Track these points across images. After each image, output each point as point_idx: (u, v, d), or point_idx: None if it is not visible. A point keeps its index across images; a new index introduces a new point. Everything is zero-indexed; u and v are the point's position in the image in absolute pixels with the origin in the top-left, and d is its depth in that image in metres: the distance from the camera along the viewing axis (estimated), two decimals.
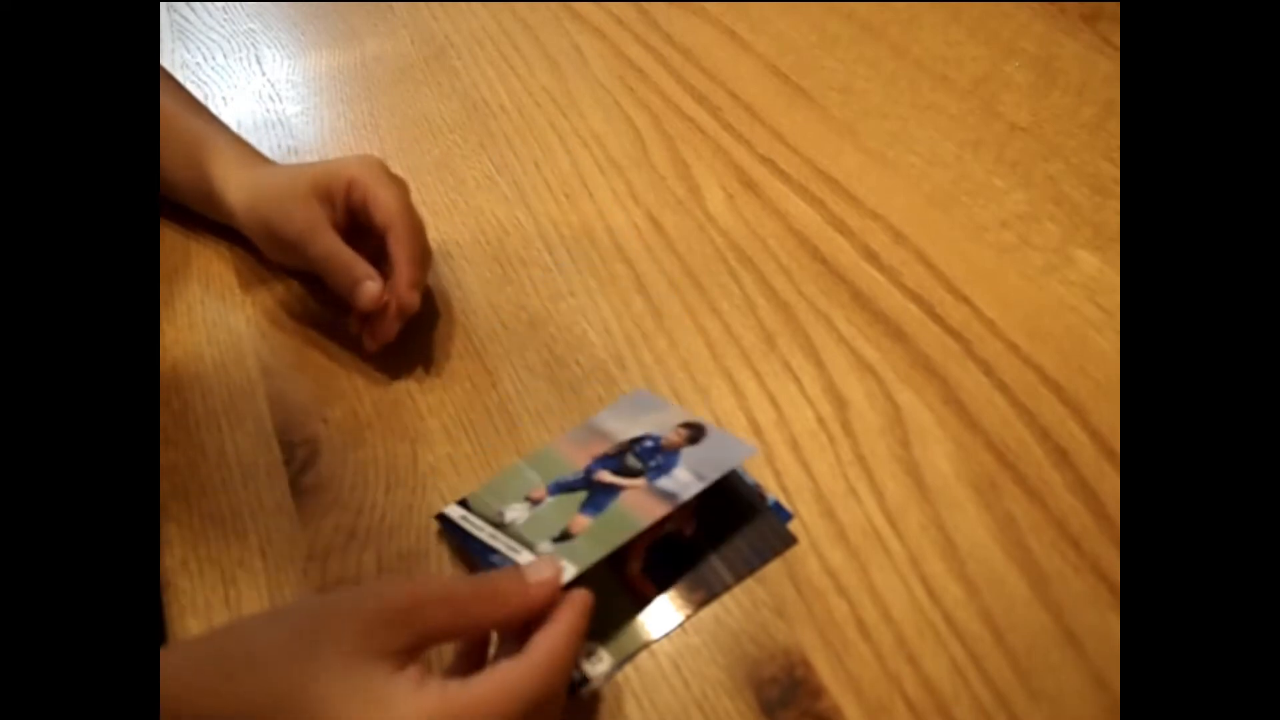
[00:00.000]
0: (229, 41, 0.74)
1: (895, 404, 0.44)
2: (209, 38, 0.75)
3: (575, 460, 0.41)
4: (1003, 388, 0.44)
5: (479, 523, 0.39)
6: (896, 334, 0.47)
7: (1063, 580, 0.37)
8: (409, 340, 0.48)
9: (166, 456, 0.45)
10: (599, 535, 0.37)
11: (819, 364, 0.46)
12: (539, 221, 0.55)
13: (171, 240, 0.56)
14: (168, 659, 0.28)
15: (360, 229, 0.47)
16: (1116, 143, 0.55)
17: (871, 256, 0.51)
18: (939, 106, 0.60)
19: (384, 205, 0.46)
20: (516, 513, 0.39)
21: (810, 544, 0.40)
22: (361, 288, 0.44)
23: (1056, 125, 0.57)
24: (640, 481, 0.39)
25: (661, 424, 0.42)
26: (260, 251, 0.51)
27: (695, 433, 0.41)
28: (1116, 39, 0.63)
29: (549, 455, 0.42)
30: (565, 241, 0.54)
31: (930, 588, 0.38)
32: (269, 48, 0.73)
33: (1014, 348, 0.46)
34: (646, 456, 0.40)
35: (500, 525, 0.39)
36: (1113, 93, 0.59)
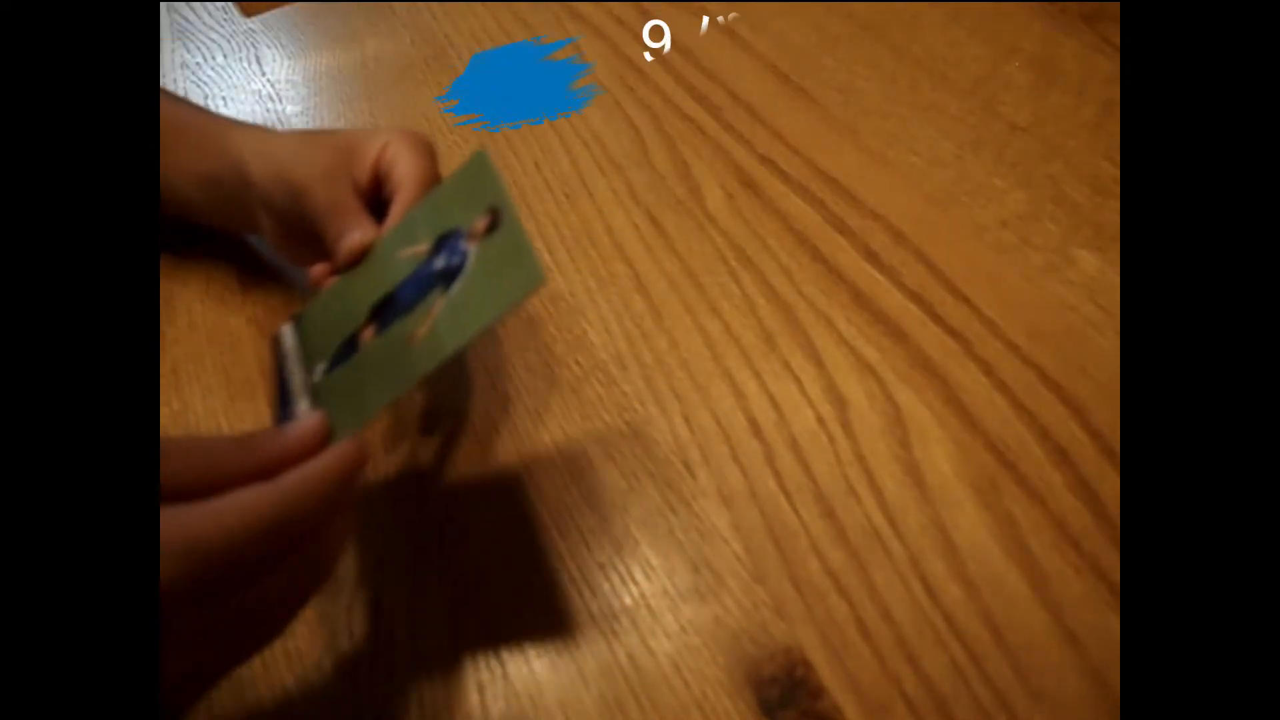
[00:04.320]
0: (229, 42, 0.74)
1: (895, 404, 0.44)
2: (209, 38, 0.75)
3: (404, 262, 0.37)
4: (1003, 388, 0.44)
5: (297, 358, 0.38)
6: (897, 334, 0.47)
7: (1063, 580, 0.37)
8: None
9: None
10: (382, 376, 0.34)
11: (819, 364, 0.46)
12: (539, 221, 0.55)
13: (172, 240, 0.56)
14: None
15: (382, 200, 0.43)
16: (1117, 143, 0.55)
17: (871, 256, 0.51)
18: (939, 106, 0.60)
19: (407, 167, 0.42)
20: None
21: (810, 544, 0.40)
22: (348, 236, 0.40)
23: (1057, 125, 0.57)
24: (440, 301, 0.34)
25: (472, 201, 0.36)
26: (259, 249, 0.50)
27: (495, 221, 0.35)
28: (1117, 39, 0.63)
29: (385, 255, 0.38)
30: (565, 241, 0.54)
31: (930, 588, 0.38)
32: (269, 48, 0.73)
33: (1014, 347, 0.46)
34: (450, 254, 0.35)
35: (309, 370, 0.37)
36: (1113, 93, 0.59)
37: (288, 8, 0.77)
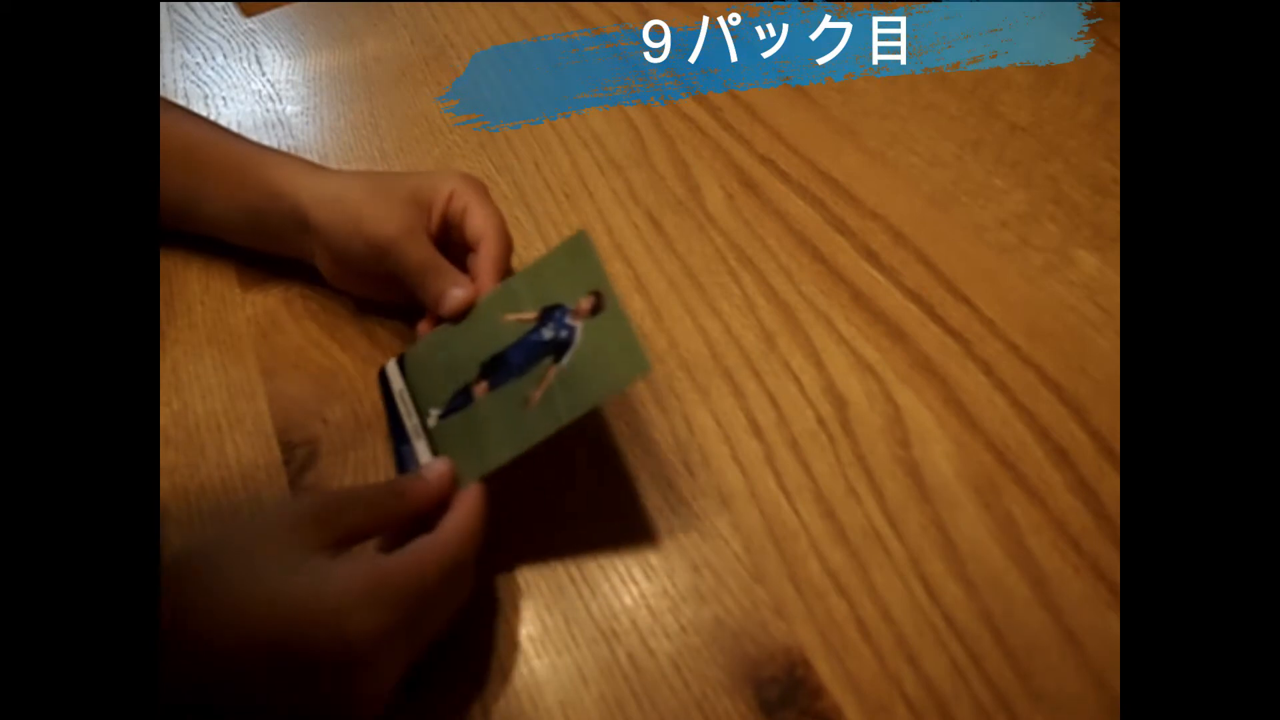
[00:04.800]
0: (229, 42, 0.74)
1: (895, 404, 0.44)
2: (209, 38, 0.75)
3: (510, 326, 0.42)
4: (1003, 388, 0.44)
5: (406, 398, 0.43)
6: (896, 334, 0.47)
7: (1062, 580, 0.37)
8: (407, 341, 0.48)
9: (166, 456, 0.45)
10: (502, 431, 0.39)
11: (819, 364, 0.46)
12: (539, 221, 0.55)
13: (172, 240, 0.56)
14: None
15: (447, 244, 0.45)
16: (1117, 143, 0.55)
17: (871, 256, 0.51)
18: (939, 106, 0.60)
19: (484, 216, 0.44)
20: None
21: (810, 544, 0.40)
22: (450, 293, 0.43)
23: (1057, 125, 0.57)
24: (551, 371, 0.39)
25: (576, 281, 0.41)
26: (319, 271, 0.49)
27: (599, 304, 0.40)
28: (1117, 39, 0.63)
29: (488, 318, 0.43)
30: None
31: (930, 588, 0.38)
32: (269, 48, 0.73)
33: (1014, 348, 0.46)
34: (558, 327, 0.40)
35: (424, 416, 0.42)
36: (1113, 93, 0.59)
37: (288, 7, 0.77)
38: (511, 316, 0.42)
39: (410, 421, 0.42)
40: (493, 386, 0.40)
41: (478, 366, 0.41)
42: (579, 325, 0.39)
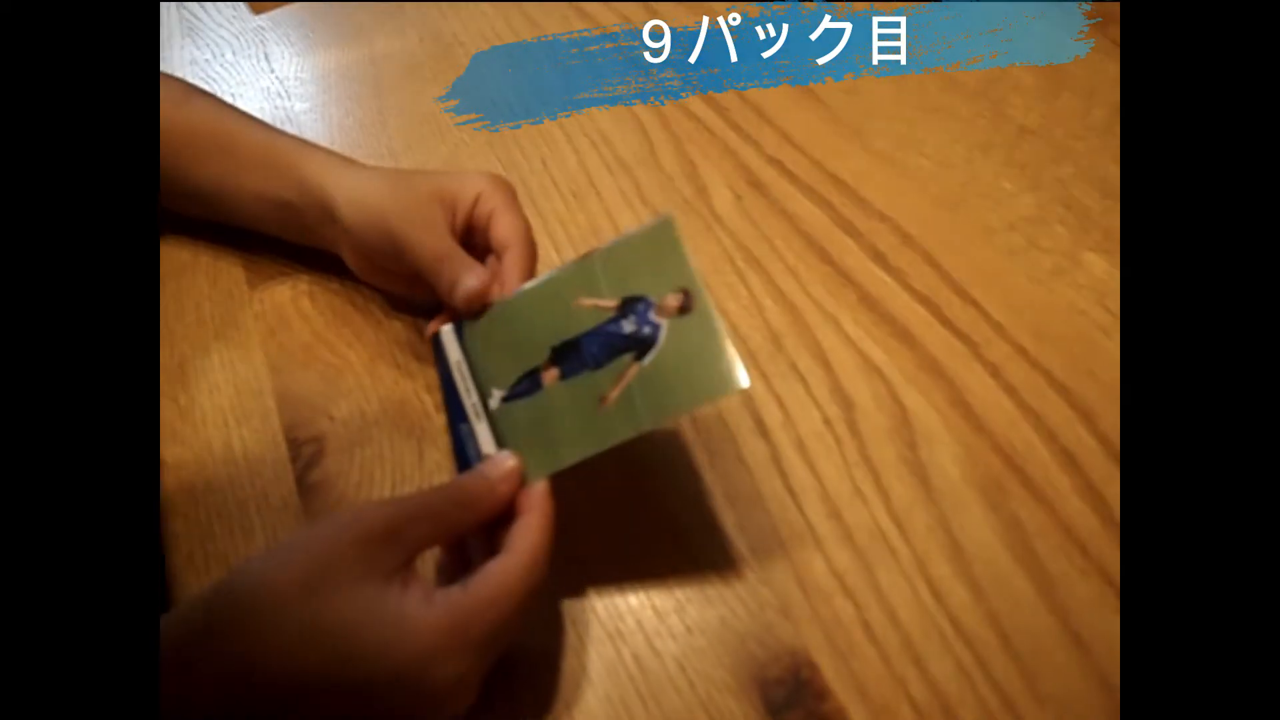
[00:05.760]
0: (238, 39, 0.74)
1: (902, 406, 0.44)
2: (218, 35, 0.75)
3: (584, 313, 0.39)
4: (1010, 390, 0.44)
5: (465, 371, 0.41)
6: (904, 336, 0.47)
7: (1069, 583, 0.37)
8: (416, 339, 0.48)
9: (173, 453, 0.45)
10: (574, 428, 0.37)
11: (826, 365, 0.46)
12: (546, 220, 0.55)
13: (179, 237, 0.56)
14: (168, 630, 0.29)
15: (470, 247, 0.44)
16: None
17: (879, 258, 0.51)
18: (947, 108, 0.60)
19: (511, 222, 0.43)
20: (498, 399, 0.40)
21: (816, 545, 0.39)
22: (464, 281, 0.41)
23: (1065, 128, 0.57)
24: (633, 368, 0.37)
25: (661, 275, 0.37)
26: (346, 263, 0.49)
27: (687, 303, 0.37)
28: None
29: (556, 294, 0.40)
30: (572, 240, 0.54)
31: (936, 590, 0.38)
32: (278, 45, 0.73)
33: (1022, 350, 0.46)
34: (640, 322, 0.37)
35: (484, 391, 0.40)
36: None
37: (297, 5, 0.77)
38: (587, 301, 0.39)
39: (470, 399, 0.40)
40: (564, 375, 0.38)
41: (548, 350, 0.39)
42: (664, 324, 0.36)
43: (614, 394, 0.36)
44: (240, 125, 0.51)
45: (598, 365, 0.37)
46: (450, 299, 0.42)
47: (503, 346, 0.41)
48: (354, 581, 0.30)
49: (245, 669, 0.29)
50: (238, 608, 0.30)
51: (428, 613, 0.31)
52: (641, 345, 0.36)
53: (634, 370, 0.36)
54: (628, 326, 0.37)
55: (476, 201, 0.44)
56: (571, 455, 0.36)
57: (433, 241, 0.42)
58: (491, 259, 0.44)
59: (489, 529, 0.35)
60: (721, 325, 0.35)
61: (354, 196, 0.45)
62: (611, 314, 0.38)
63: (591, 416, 0.36)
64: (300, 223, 0.49)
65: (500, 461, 0.36)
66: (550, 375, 0.38)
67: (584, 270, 0.39)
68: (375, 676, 0.30)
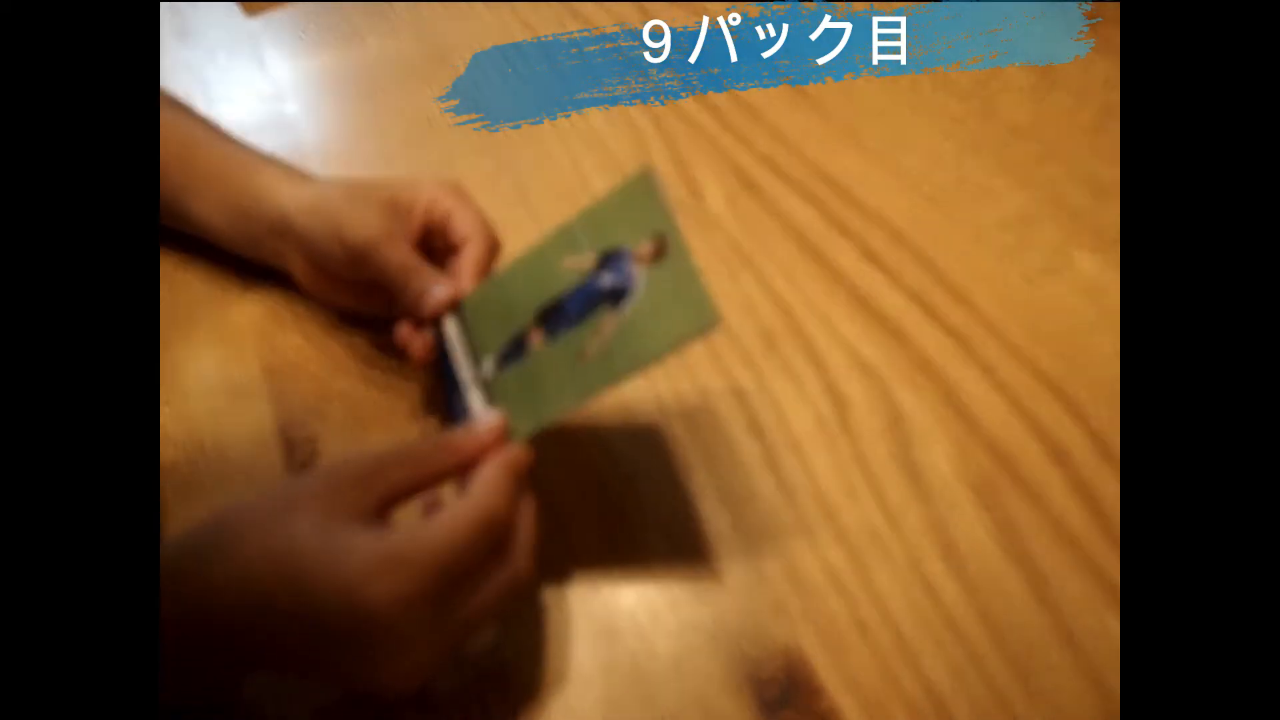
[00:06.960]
0: (231, 41, 0.74)
1: (895, 405, 0.44)
2: (211, 38, 0.75)
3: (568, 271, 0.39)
4: (1002, 389, 0.44)
5: (462, 342, 0.41)
6: (897, 335, 0.47)
7: (1061, 581, 0.38)
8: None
9: (168, 454, 0.45)
10: (556, 385, 0.37)
11: (819, 364, 0.46)
12: (541, 221, 0.55)
13: (173, 238, 0.56)
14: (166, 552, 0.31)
15: (429, 252, 0.45)
16: (1116, 145, 0.55)
17: (872, 257, 0.51)
18: (939, 108, 0.60)
19: (466, 217, 0.44)
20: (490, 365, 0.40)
21: (810, 544, 0.40)
22: (431, 292, 0.42)
23: (1056, 127, 0.57)
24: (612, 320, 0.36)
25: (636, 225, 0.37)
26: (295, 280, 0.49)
27: (661, 247, 0.35)
28: (1116, 40, 0.63)
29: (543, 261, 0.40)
30: None
31: (930, 588, 0.38)
32: (271, 48, 0.73)
33: (1014, 349, 0.46)
34: (617, 274, 0.37)
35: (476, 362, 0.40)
36: (1112, 95, 0.59)
37: (290, 7, 0.77)
38: (570, 262, 0.38)
39: (464, 369, 0.40)
40: (549, 335, 0.38)
41: (533, 313, 0.39)
42: (640, 272, 0.35)
43: (593, 348, 0.36)
44: (201, 134, 0.51)
45: (578, 322, 0.37)
46: (417, 309, 0.43)
47: (495, 317, 0.41)
48: (316, 514, 0.32)
49: (205, 594, 0.30)
50: (206, 536, 0.32)
51: (372, 544, 0.31)
52: (619, 296, 0.36)
53: (612, 321, 0.36)
54: (606, 280, 0.36)
55: (430, 206, 0.44)
56: (553, 411, 0.36)
57: (397, 255, 0.43)
58: (453, 257, 0.44)
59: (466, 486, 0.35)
60: (695, 264, 0.34)
61: (309, 206, 0.46)
62: (591, 271, 0.37)
63: (573, 372, 0.36)
64: (251, 234, 0.49)
65: (485, 416, 0.37)
66: (536, 338, 0.38)
67: (565, 232, 0.39)
68: (317, 600, 0.30)
